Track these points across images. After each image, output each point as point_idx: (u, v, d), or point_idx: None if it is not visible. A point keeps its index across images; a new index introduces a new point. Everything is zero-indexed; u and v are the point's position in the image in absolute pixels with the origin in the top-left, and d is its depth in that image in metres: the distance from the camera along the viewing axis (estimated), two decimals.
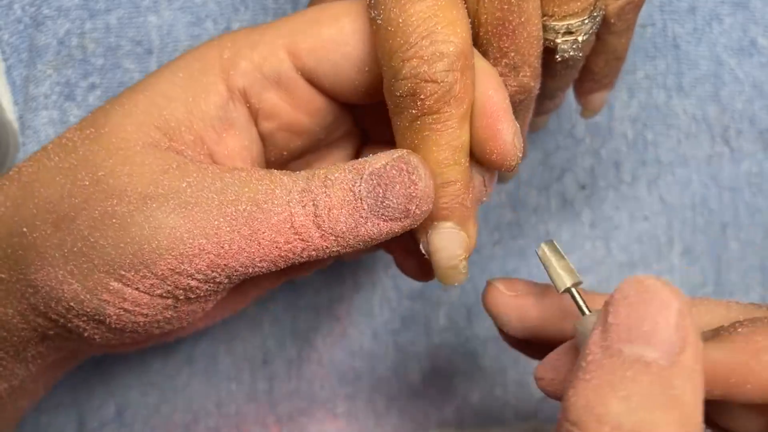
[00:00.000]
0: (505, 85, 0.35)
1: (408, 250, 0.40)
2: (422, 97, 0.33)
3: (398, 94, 0.33)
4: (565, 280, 0.33)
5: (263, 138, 0.38)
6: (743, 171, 0.51)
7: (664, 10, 0.51)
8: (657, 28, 0.51)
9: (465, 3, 0.35)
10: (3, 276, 0.35)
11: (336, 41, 0.36)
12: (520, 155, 0.35)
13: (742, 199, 0.51)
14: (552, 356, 0.34)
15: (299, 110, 0.37)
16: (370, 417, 0.50)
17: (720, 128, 0.51)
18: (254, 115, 0.37)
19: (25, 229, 0.34)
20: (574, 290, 0.33)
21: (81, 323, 0.35)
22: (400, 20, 0.33)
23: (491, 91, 0.34)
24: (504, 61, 0.36)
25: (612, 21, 0.38)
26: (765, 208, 0.51)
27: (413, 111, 0.33)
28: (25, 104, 0.47)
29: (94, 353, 0.44)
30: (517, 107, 0.37)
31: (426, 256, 0.36)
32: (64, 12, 0.47)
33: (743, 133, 0.51)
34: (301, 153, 0.40)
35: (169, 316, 0.35)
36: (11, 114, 0.47)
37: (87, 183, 0.34)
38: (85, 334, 0.35)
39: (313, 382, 0.50)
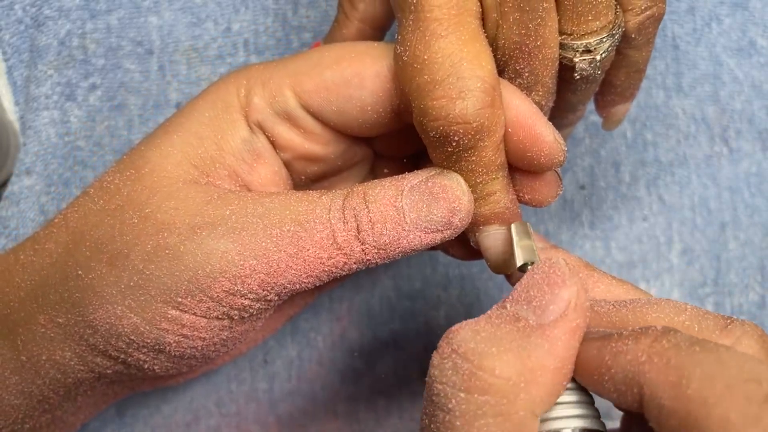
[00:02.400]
0: None
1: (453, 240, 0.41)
2: (456, 138, 0.33)
3: (432, 134, 0.34)
4: (520, 259, 0.35)
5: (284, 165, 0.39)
6: (742, 171, 0.51)
7: None
8: None
9: (484, 29, 0.35)
10: (60, 320, 0.36)
11: (337, 84, 0.36)
12: (565, 148, 0.36)
13: (741, 199, 0.51)
14: None
15: (311, 142, 0.38)
16: (370, 417, 0.50)
17: (719, 128, 0.51)
18: (272, 145, 0.38)
19: (80, 272, 0.35)
20: (529, 268, 0.35)
21: (141, 356, 0.36)
22: (426, 57, 0.33)
23: (516, 101, 0.35)
24: (518, 80, 0.36)
25: (632, 36, 0.37)
26: (764, 207, 0.51)
27: (448, 149, 0.34)
28: (26, 105, 0.47)
29: (145, 389, 0.45)
30: None
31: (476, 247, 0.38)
32: (65, 12, 0.48)
33: (742, 133, 0.51)
34: (321, 177, 0.41)
35: (225, 337, 0.37)
36: (12, 114, 0.47)
37: (136, 220, 0.35)
38: (146, 366, 0.37)
39: (313, 382, 0.50)
